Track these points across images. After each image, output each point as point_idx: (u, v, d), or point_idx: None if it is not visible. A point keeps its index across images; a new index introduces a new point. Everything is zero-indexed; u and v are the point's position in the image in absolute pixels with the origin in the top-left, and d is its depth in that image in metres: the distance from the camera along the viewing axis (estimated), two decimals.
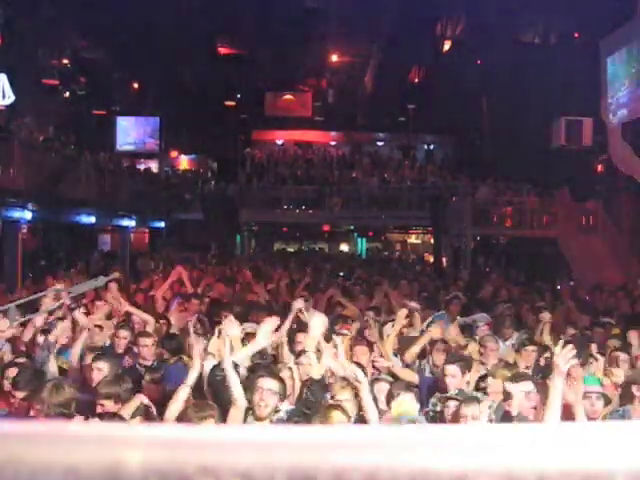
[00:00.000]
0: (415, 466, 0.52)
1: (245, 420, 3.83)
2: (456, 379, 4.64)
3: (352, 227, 28.12)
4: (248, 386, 3.96)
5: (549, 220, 19.40)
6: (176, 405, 3.87)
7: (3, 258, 14.86)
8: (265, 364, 4.74)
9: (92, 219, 19.08)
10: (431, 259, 22.75)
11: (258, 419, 3.80)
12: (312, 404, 4.09)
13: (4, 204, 14.22)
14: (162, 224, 25.28)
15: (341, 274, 14.94)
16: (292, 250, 29.36)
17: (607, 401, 4.51)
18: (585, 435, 0.55)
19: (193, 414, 3.64)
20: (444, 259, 20.48)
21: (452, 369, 4.69)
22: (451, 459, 0.52)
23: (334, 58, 24.82)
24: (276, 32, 21.30)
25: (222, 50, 24.28)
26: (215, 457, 0.52)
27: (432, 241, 22.51)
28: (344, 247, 30.16)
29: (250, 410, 3.90)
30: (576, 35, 20.98)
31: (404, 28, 20.36)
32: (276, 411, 3.94)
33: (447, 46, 22.84)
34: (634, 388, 4.50)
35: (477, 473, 0.52)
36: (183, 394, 3.93)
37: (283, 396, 4.02)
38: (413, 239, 30.28)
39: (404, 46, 21.93)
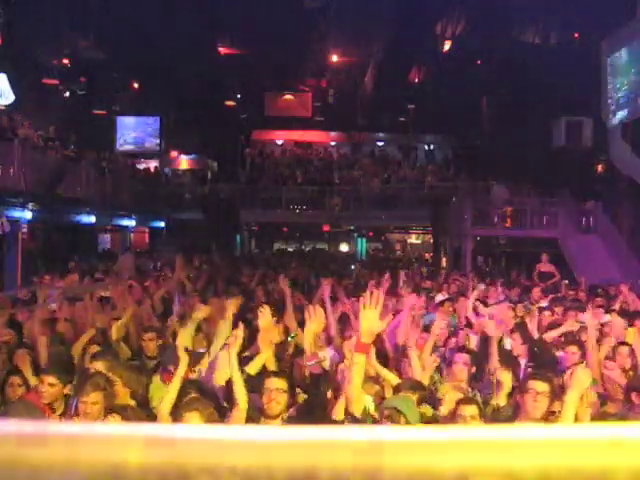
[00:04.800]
0: (415, 466, 0.52)
1: (257, 421, 3.83)
2: None
3: (352, 227, 28.12)
4: (257, 388, 3.99)
5: (549, 220, 19.41)
6: (170, 396, 3.87)
7: (3, 258, 14.85)
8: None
9: (92, 219, 19.07)
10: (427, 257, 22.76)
11: (269, 417, 3.80)
12: None
13: (4, 204, 14.22)
14: (162, 224, 25.29)
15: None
16: (292, 250, 29.36)
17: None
18: (585, 435, 0.55)
19: (181, 407, 3.66)
20: (444, 259, 20.50)
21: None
22: (451, 459, 0.52)
23: (334, 58, 24.78)
24: (276, 32, 21.28)
25: (222, 50, 24.25)
26: (215, 457, 0.52)
27: (432, 241, 22.51)
28: (344, 247, 30.16)
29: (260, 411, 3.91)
30: (576, 35, 20.96)
31: (404, 28, 20.34)
32: (287, 408, 3.97)
33: (447, 46, 22.81)
34: (633, 395, 4.46)
35: (477, 473, 0.52)
36: (176, 385, 3.92)
37: (292, 393, 4.05)
38: (413, 239, 30.29)
39: (404, 46, 21.92)
